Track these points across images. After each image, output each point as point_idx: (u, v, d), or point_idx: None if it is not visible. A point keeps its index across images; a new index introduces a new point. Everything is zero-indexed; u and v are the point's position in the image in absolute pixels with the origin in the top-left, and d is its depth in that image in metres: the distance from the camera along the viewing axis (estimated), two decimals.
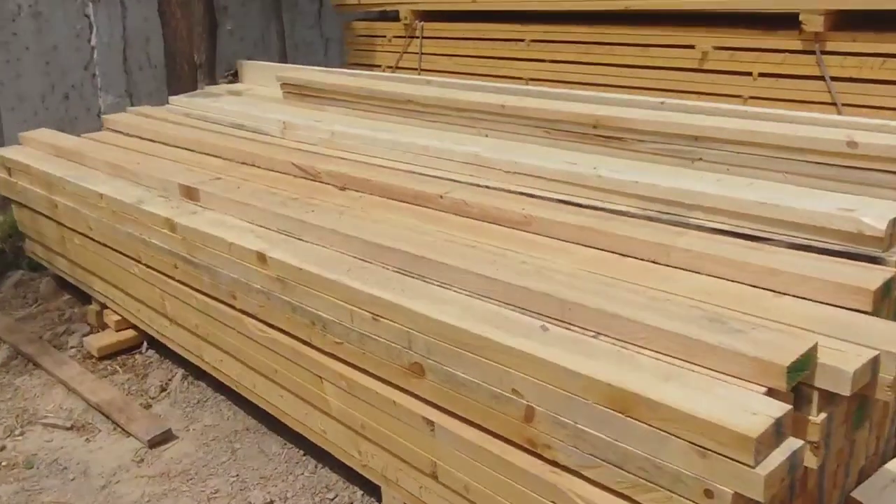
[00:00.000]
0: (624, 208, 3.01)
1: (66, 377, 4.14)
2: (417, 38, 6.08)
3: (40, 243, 5.10)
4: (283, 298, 2.99)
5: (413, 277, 2.72)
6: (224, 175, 4.09)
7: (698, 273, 2.55)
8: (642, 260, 2.68)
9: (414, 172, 3.71)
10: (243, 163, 4.32)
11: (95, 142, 5.02)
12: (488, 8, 5.57)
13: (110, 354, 4.41)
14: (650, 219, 2.90)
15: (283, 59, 9.86)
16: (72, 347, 4.53)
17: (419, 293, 2.57)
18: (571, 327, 2.29)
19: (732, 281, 2.45)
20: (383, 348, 2.61)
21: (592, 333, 2.24)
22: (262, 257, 3.05)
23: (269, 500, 3.13)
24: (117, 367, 4.34)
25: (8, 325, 4.79)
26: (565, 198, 3.17)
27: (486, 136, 4.07)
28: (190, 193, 3.77)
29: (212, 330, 3.55)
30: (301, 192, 3.70)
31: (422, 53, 6.06)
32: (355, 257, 2.93)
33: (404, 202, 3.49)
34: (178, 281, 3.67)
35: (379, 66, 6.44)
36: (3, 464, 3.54)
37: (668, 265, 2.63)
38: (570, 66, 5.24)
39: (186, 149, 4.70)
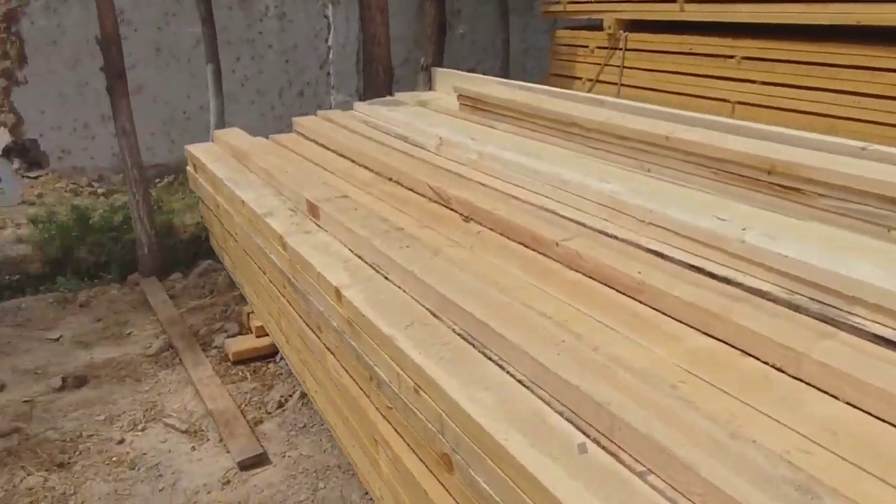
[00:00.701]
0: (766, 287, 2.32)
1: (197, 378, 4.16)
2: (620, 49, 5.48)
3: (214, 238, 5.25)
4: (351, 343, 2.68)
5: (473, 345, 2.27)
6: (366, 190, 3.88)
7: (832, 397, 1.85)
8: (764, 363, 2.02)
9: (545, 209, 3.22)
10: (389, 178, 4.08)
11: (269, 144, 5.05)
12: (696, 18, 4.85)
13: (246, 360, 4.39)
14: (795, 307, 2.20)
15: (506, 65, 9.60)
16: (215, 347, 4.57)
17: (464, 368, 2.13)
18: (619, 453, 1.74)
19: (879, 419, 1.74)
20: (421, 427, 2.21)
21: (641, 468, 1.67)
22: (338, 294, 2.76)
23: None
24: (248, 373, 4.30)
25: (172, 316, 4.96)
26: (697, 261, 2.53)
27: (649, 170, 3.47)
28: (313, 210, 3.58)
29: (307, 357, 3.34)
30: (422, 219, 3.37)
31: (623, 67, 5.46)
32: (427, 309, 2.54)
33: (521, 244, 3.03)
34: (287, 301, 3.50)
35: (579, 78, 5.93)
36: (113, 459, 3.59)
37: (795, 377, 1.95)
38: (785, 89, 4.38)
39: (348, 158, 4.56)
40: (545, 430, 1.82)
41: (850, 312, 2.11)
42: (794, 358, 1.97)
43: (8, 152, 8.74)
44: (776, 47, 4.41)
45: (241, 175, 4.46)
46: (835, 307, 2.15)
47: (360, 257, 3.06)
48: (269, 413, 3.90)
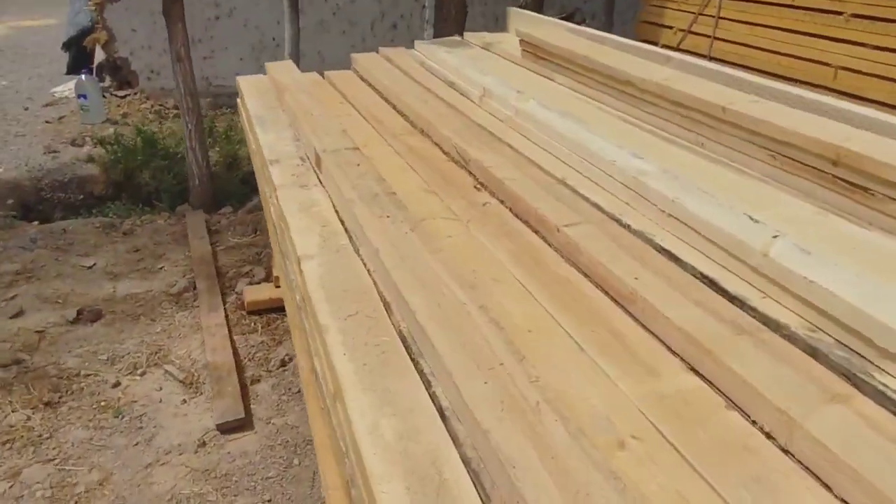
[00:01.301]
0: (784, 317, 1.82)
1: (206, 325, 3.98)
2: None
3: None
4: (304, 322, 2.36)
5: (410, 351, 1.91)
6: (387, 142, 3.51)
7: (825, 487, 1.39)
8: (752, 423, 1.56)
9: (565, 183, 2.76)
10: (420, 130, 3.68)
11: (314, 82, 4.72)
12: None
13: (261, 310, 4.17)
14: (812, 350, 1.71)
15: (609, 10, 8.87)
16: (236, 292, 4.37)
17: (383, 382, 1.76)
18: None
19: None
20: (336, 441, 1.88)
21: None
22: (299, 264, 2.43)
23: None
24: (260, 325, 4.08)
25: (204, 254, 4.80)
26: (713, 271, 2.04)
27: (702, 144, 2.93)
28: (318, 161, 3.25)
29: (291, 322, 3.06)
30: (430, 182, 2.98)
31: (718, 17, 4.78)
32: (382, 297, 2.18)
33: (526, 223, 2.60)
34: (281, 258, 3.21)
35: (670, 27, 5.28)
36: (102, 403, 3.47)
37: (784, 449, 1.50)
38: None
39: (390, 103, 4.18)
40: (433, 487, 1.44)
41: (878, 367, 1.60)
42: (787, 424, 1.50)
43: (100, 69, 8.79)
44: (891, 4, 3.67)
45: (272, 113, 4.16)
46: (863, 357, 1.64)
47: (342, 222, 2.72)
48: (270, 371, 3.67)
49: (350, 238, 2.57)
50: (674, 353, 1.83)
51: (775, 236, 2.01)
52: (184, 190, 5.80)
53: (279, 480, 2.97)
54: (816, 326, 1.77)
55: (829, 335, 1.74)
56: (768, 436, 1.54)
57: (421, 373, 1.82)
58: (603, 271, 2.15)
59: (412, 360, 1.87)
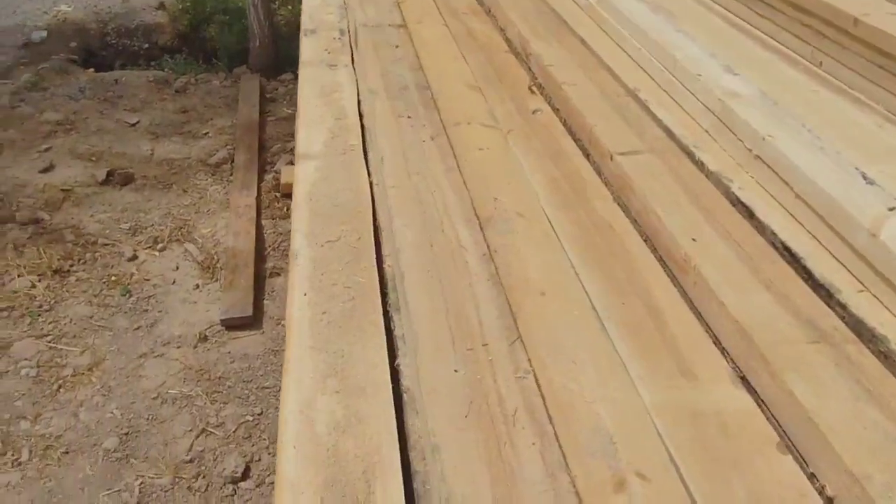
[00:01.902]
0: (881, 326, 1.34)
1: (235, 204, 3.68)
2: None
3: None
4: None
5: (385, 299, 1.51)
6: (443, 21, 3.02)
7: None
8: (801, 463, 1.12)
9: (636, 95, 2.24)
10: (488, 9, 3.16)
11: None
12: None
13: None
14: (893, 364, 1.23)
15: None
16: (274, 171, 4.03)
17: (339, 343, 1.39)
18: None
19: None
20: None
21: None
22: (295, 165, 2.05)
23: (244, 467, 2.36)
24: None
25: (250, 123, 4.46)
26: (799, 243, 1.55)
27: (821, 63, 2.34)
28: (355, 38, 2.79)
29: None
30: (477, 76, 2.51)
31: None
32: (375, 220, 1.77)
33: (577, 141, 2.12)
34: None
35: None
36: (112, 278, 3.24)
37: None
38: None
39: None
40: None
41: None
42: (858, 498, 1.05)
43: None
44: None
45: None
46: None
47: (361, 117, 2.29)
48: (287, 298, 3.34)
49: (364, 139, 2.15)
50: (723, 351, 1.38)
51: (893, 208, 1.48)
52: (244, 51, 5.42)
53: (276, 393, 2.69)
54: None
55: None
56: (829, 502, 1.11)
57: (390, 333, 1.43)
58: (656, 223, 1.68)
59: (385, 313, 1.48)
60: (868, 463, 1.08)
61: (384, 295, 1.50)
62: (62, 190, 3.81)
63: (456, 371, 1.23)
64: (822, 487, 1.12)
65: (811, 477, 1.15)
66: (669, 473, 1.13)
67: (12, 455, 2.39)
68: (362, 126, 2.20)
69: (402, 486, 1.08)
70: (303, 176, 1.91)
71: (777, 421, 1.24)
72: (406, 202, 1.70)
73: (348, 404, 1.24)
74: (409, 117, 2.11)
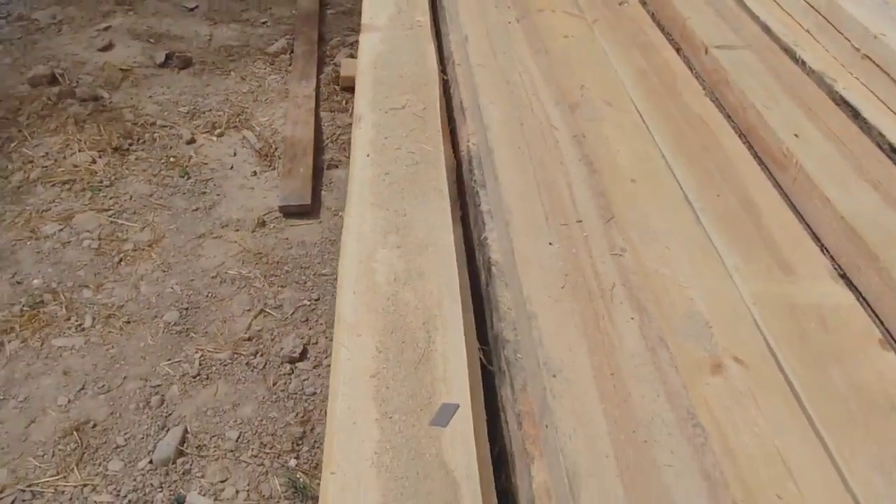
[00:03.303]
0: None
1: (294, 94, 3.63)
2: None
3: None
4: None
5: (438, 171, 1.47)
6: None
7: None
8: None
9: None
10: None
11: None
12: None
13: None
14: None
15: None
16: (333, 64, 3.96)
17: (396, 202, 1.36)
18: None
19: None
20: None
21: None
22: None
23: (302, 348, 2.39)
24: (352, 105, 3.68)
25: (310, 14, 4.36)
26: None
27: None
28: None
29: None
30: None
31: None
32: (450, 96, 1.72)
33: (669, 36, 2.03)
34: None
35: None
36: (171, 159, 3.24)
37: None
38: None
39: None
40: (412, 356, 1.06)
41: None
42: None
43: None
44: None
45: None
46: None
47: None
48: (350, 158, 3.31)
49: (435, 16, 2.07)
50: (824, 249, 1.33)
51: None
52: None
53: (332, 280, 2.70)
54: None
55: None
56: None
57: (475, 208, 1.39)
58: (754, 117, 1.60)
59: (469, 187, 1.43)
60: None
61: (469, 171, 1.45)
62: (121, 69, 3.78)
63: (551, 244, 1.19)
64: None
65: None
66: (766, 360, 1.10)
67: (76, 321, 2.44)
68: (432, 4, 2.11)
69: (464, 341, 1.06)
70: (367, 47, 1.87)
71: (880, 318, 1.19)
72: (493, 81, 1.64)
73: (409, 259, 1.21)
74: None
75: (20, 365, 2.29)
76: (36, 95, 3.51)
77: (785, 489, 0.93)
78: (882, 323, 1.19)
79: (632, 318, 1.08)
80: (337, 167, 3.30)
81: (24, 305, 2.49)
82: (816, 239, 1.33)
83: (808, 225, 1.36)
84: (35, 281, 2.59)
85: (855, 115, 1.57)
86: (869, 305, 1.22)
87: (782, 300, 1.20)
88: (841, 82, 1.65)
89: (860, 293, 1.23)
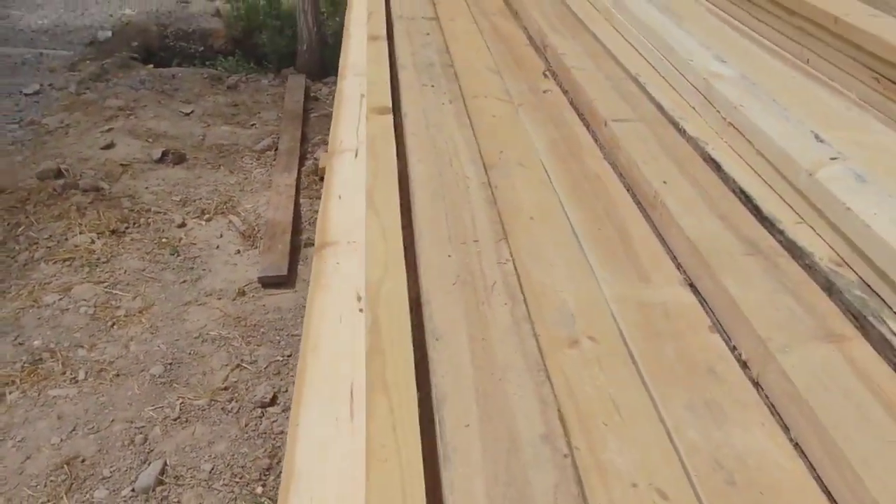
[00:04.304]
0: (813, 247, 1.60)
1: (276, 183, 4.02)
2: None
3: None
4: None
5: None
6: (472, 17, 3.33)
7: (783, 428, 1.23)
8: (731, 348, 1.40)
9: (636, 79, 2.53)
10: (515, 12, 3.48)
11: None
12: None
13: None
14: (829, 285, 1.50)
15: None
16: (314, 158, 4.37)
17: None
18: None
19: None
20: None
21: None
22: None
23: (273, 395, 2.66)
24: None
25: (294, 116, 4.82)
26: (756, 188, 1.82)
27: (808, 61, 2.60)
28: (389, 23, 3.13)
29: None
30: (498, 62, 2.81)
31: None
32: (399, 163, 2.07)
33: (580, 115, 2.41)
34: None
35: None
36: (163, 240, 3.58)
37: (755, 382, 1.32)
38: None
39: None
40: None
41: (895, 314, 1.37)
42: (763, 355, 1.32)
43: None
44: None
45: None
46: (883, 301, 1.42)
47: (394, 79, 2.60)
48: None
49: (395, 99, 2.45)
50: (678, 265, 1.65)
51: (834, 158, 1.75)
52: (293, 53, 5.81)
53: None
54: (844, 261, 1.54)
55: (855, 272, 1.51)
56: (743, 365, 1.37)
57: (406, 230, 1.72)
58: (636, 172, 1.95)
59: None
60: (773, 331, 1.34)
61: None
62: (121, 164, 4.18)
63: (449, 256, 1.52)
64: (739, 354, 1.39)
65: (732, 349, 1.41)
66: (615, 339, 1.40)
67: (70, 374, 2.72)
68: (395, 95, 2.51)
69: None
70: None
71: (712, 312, 1.50)
72: (422, 146, 2.00)
73: None
74: (432, 86, 2.42)
75: (19, 412, 2.55)
76: (43, 187, 3.88)
77: (611, 419, 1.22)
78: (713, 313, 1.49)
79: (505, 304, 1.39)
80: (314, 245, 3.64)
81: (24, 363, 2.77)
82: (674, 259, 1.65)
83: (668, 248, 1.68)
84: (35, 342, 2.87)
85: (717, 168, 1.92)
86: (705, 302, 1.53)
87: (637, 299, 1.52)
88: (711, 144, 2.01)
89: (700, 295, 1.54)
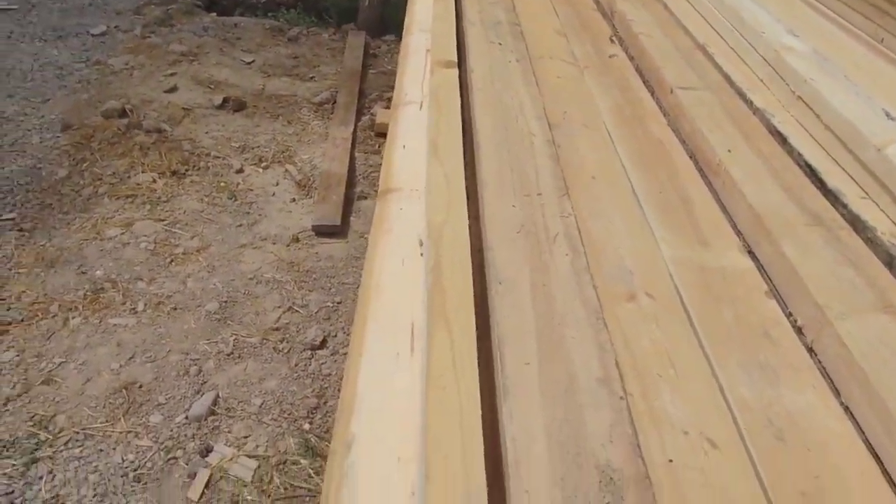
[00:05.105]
0: (873, 220, 1.60)
1: (333, 136, 4.07)
2: None
3: None
4: None
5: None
6: None
7: (834, 392, 1.25)
8: (792, 320, 1.41)
9: (704, 49, 2.51)
10: None
11: None
12: None
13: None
14: (889, 260, 1.50)
15: None
16: (370, 114, 4.41)
17: None
18: None
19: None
20: None
21: None
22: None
23: (322, 338, 2.74)
24: (383, 149, 4.11)
25: (353, 72, 4.85)
26: (821, 161, 1.82)
27: (882, 40, 2.56)
28: None
29: None
30: (564, 25, 2.81)
31: None
32: (464, 120, 2.10)
33: (645, 83, 2.41)
34: None
35: None
36: (221, 184, 3.67)
37: (809, 348, 1.34)
38: None
39: None
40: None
41: None
42: (820, 321, 1.33)
43: None
44: None
45: None
46: None
47: (460, 35, 2.62)
48: (377, 191, 3.71)
49: (461, 57, 2.48)
50: (738, 232, 1.66)
51: None
52: (354, 9, 5.83)
53: (353, 288, 3.06)
54: None
55: None
56: (798, 331, 1.38)
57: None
58: (700, 139, 1.96)
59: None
60: (832, 299, 1.36)
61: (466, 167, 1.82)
62: (183, 108, 4.27)
63: (513, 206, 1.55)
64: (795, 320, 1.40)
65: (788, 315, 1.42)
66: (672, 297, 1.43)
67: (130, 305, 2.82)
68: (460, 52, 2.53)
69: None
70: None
71: (770, 279, 1.52)
72: (488, 101, 2.02)
73: None
74: (499, 44, 2.43)
75: (81, 336, 2.66)
76: (107, 126, 3.99)
77: (666, 372, 1.25)
78: (771, 280, 1.51)
79: (566, 255, 1.42)
80: (366, 199, 3.70)
81: (86, 291, 2.87)
82: (734, 225, 1.67)
83: (728, 216, 1.69)
84: (97, 272, 2.98)
85: (783, 140, 1.92)
86: (763, 270, 1.54)
87: (695, 262, 1.53)
88: (778, 117, 2.00)
89: (759, 262, 1.56)
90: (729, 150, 1.86)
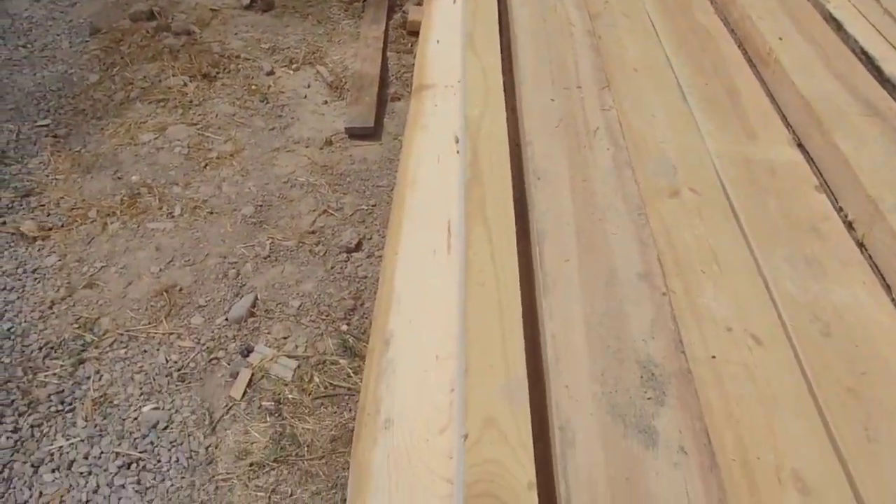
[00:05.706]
0: None
1: (364, 35, 3.97)
2: None
3: None
4: None
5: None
6: None
7: (887, 288, 1.21)
8: (839, 210, 1.36)
9: None
10: None
11: None
12: None
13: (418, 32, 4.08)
14: None
15: None
16: (402, 11, 4.28)
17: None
18: None
19: None
20: None
21: None
22: None
23: (358, 241, 2.74)
24: (415, 48, 4.01)
25: None
26: (875, 50, 1.72)
27: None
28: None
29: None
30: None
31: None
32: (498, 7, 2.02)
33: None
34: None
35: None
36: (252, 87, 3.62)
37: (863, 247, 1.30)
38: None
39: None
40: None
41: None
42: (872, 215, 1.28)
43: None
44: None
45: None
46: None
47: None
48: (411, 93, 3.64)
49: None
50: (787, 124, 1.59)
51: None
52: None
53: (388, 190, 3.04)
54: None
55: None
56: (849, 225, 1.34)
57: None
58: (749, 26, 1.86)
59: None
60: (886, 192, 1.30)
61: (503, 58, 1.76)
62: (211, 9, 4.18)
63: (552, 100, 1.49)
64: (845, 215, 1.35)
65: (838, 210, 1.37)
66: (717, 191, 1.38)
67: (167, 209, 2.83)
68: None
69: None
70: None
71: (820, 173, 1.46)
72: None
73: None
74: None
75: (120, 241, 2.69)
76: (136, 29, 3.92)
77: (709, 267, 1.22)
78: (821, 174, 1.45)
79: (607, 149, 1.37)
80: (399, 100, 3.63)
81: (123, 196, 2.89)
82: (783, 117, 1.59)
83: (778, 107, 1.62)
84: (133, 177, 2.99)
85: (838, 27, 1.81)
86: (813, 163, 1.48)
87: (742, 156, 1.48)
88: (833, 3, 1.88)
89: (809, 155, 1.49)
90: (780, 38, 1.76)
